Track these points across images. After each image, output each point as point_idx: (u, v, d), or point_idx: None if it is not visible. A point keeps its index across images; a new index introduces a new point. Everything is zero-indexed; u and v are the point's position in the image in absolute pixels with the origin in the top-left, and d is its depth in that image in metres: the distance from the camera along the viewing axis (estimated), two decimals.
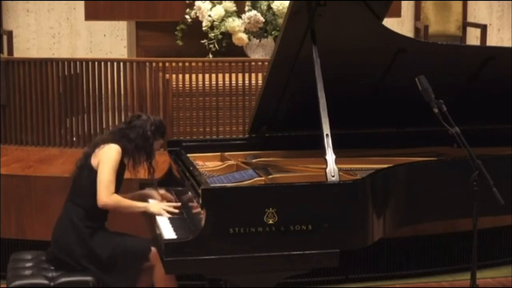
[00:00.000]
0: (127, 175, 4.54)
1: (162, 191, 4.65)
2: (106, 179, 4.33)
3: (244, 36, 6.26)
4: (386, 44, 4.50)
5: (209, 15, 6.26)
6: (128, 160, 4.47)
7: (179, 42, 6.36)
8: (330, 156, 3.99)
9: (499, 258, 5.77)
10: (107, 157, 4.37)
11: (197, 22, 6.30)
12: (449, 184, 4.32)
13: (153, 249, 4.35)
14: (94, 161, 4.41)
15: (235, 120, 5.95)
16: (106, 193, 4.32)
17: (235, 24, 6.24)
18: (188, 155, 4.65)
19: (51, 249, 4.48)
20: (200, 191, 3.85)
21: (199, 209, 3.91)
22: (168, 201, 4.55)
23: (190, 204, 4.21)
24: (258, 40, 6.30)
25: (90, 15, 6.52)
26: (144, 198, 4.61)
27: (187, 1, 6.39)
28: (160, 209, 4.36)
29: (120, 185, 4.47)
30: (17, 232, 5.37)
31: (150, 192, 4.64)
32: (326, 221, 3.88)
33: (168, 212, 4.34)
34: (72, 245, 4.37)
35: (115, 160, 4.38)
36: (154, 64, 6.01)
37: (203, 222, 3.80)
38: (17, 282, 4.32)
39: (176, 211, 4.36)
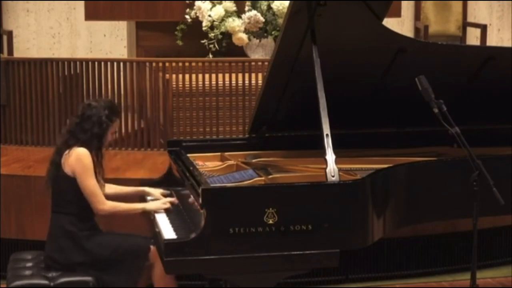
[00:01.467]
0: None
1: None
2: (91, 189, 4.35)
3: (244, 36, 6.26)
4: (386, 44, 4.50)
5: (209, 15, 6.25)
6: (95, 152, 4.43)
7: (179, 42, 6.36)
8: (330, 156, 3.98)
9: (499, 258, 5.77)
10: (81, 168, 4.34)
11: (197, 22, 6.30)
12: (449, 184, 4.32)
13: (153, 248, 4.35)
14: (67, 169, 4.38)
15: (235, 120, 5.94)
16: (98, 202, 4.36)
17: (235, 24, 6.24)
18: (188, 155, 4.65)
19: (46, 260, 4.45)
20: (200, 191, 3.85)
21: (199, 209, 3.91)
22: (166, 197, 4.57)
23: (190, 204, 4.21)
24: (258, 40, 6.30)
25: (90, 15, 6.52)
26: (142, 196, 4.64)
27: (187, 1, 6.39)
28: (158, 206, 4.40)
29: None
30: (17, 232, 5.37)
31: (148, 189, 4.65)
32: (326, 221, 3.88)
33: (166, 204, 4.40)
34: (69, 254, 4.37)
35: (90, 167, 4.36)
36: (154, 64, 6.00)
37: (203, 222, 3.80)
38: (17, 282, 4.32)
39: (175, 201, 4.40)
